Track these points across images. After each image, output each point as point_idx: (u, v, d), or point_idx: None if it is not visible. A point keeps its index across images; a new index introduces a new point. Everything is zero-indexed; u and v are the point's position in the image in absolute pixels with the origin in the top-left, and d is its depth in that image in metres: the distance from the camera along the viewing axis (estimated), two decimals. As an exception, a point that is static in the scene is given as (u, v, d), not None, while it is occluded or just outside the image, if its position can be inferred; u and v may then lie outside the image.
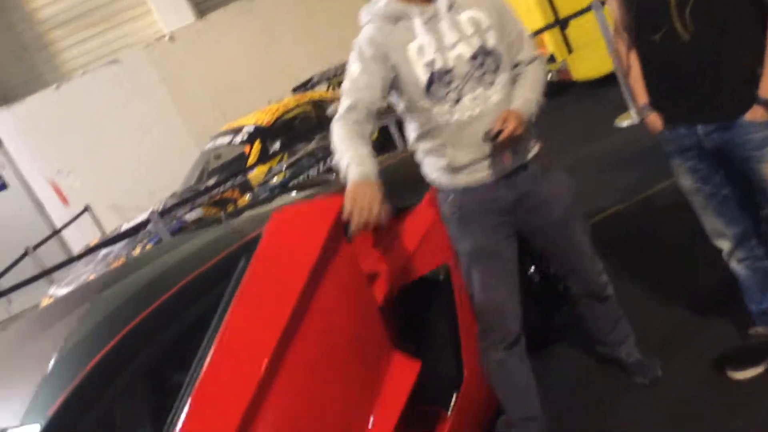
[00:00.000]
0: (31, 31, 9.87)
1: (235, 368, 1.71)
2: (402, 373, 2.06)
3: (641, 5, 1.93)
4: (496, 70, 2.03)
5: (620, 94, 5.42)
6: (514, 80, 2.10)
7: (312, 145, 4.83)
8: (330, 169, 6.00)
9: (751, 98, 1.81)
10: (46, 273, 5.42)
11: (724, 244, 2.17)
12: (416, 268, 2.28)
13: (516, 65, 2.12)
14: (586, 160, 4.91)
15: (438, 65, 2.00)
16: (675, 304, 2.74)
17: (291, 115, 7.36)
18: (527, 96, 2.06)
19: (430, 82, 2.01)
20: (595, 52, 6.08)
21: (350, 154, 1.93)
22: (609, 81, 5.93)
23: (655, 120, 2.08)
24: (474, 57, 2.01)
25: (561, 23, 6.04)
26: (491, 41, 2.02)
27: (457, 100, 2.02)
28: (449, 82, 2.01)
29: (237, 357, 1.73)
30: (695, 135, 1.98)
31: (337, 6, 10.16)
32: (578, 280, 2.33)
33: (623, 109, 5.43)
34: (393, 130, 5.81)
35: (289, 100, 7.69)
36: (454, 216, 2.17)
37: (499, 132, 1.96)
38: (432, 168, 2.17)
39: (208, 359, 1.69)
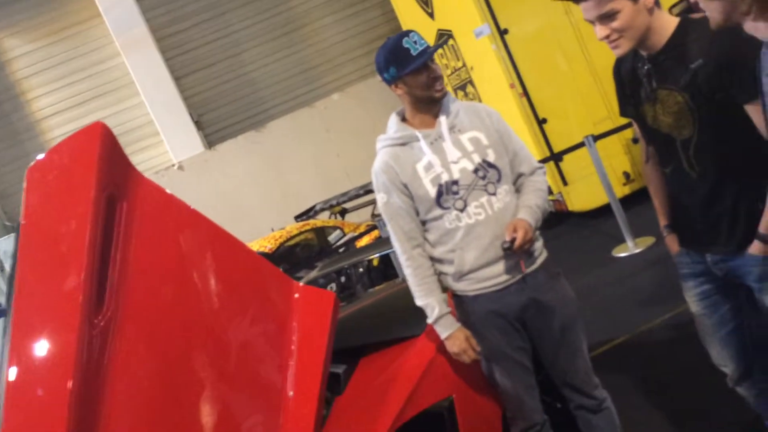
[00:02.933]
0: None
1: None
2: (317, 306, 2.07)
3: (655, 141, 2.04)
4: (498, 180, 2.24)
5: (616, 224, 5.54)
6: (518, 190, 2.31)
7: (313, 274, 4.90)
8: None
9: (752, 233, 1.86)
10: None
11: (729, 371, 2.16)
12: (419, 402, 2.26)
13: (519, 176, 2.32)
14: (584, 290, 4.93)
15: (444, 178, 2.21)
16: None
17: (293, 242, 7.47)
18: (531, 204, 2.26)
19: (440, 194, 2.22)
20: (589, 184, 6.28)
21: (431, 300, 2.26)
22: (604, 212, 6.08)
23: (672, 241, 2.15)
24: (476, 170, 2.22)
25: (555, 157, 6.29)
26: (491, 156, 2.24)
27: (464, 208, 2.22)
28: (456, 192, 2.21)
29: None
30: (705, 262, 2.04)
31: (341, 137, 10.61)
32: (574, 390, 2.36)
33: (620, 239, 5.53)
34: (395, 258, 5.87)
35: (292, 227, 7.83)
36: (466, 323, 2.31)
37: (513, 240, 2.13)
38: (445, 275, 2.33)
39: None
